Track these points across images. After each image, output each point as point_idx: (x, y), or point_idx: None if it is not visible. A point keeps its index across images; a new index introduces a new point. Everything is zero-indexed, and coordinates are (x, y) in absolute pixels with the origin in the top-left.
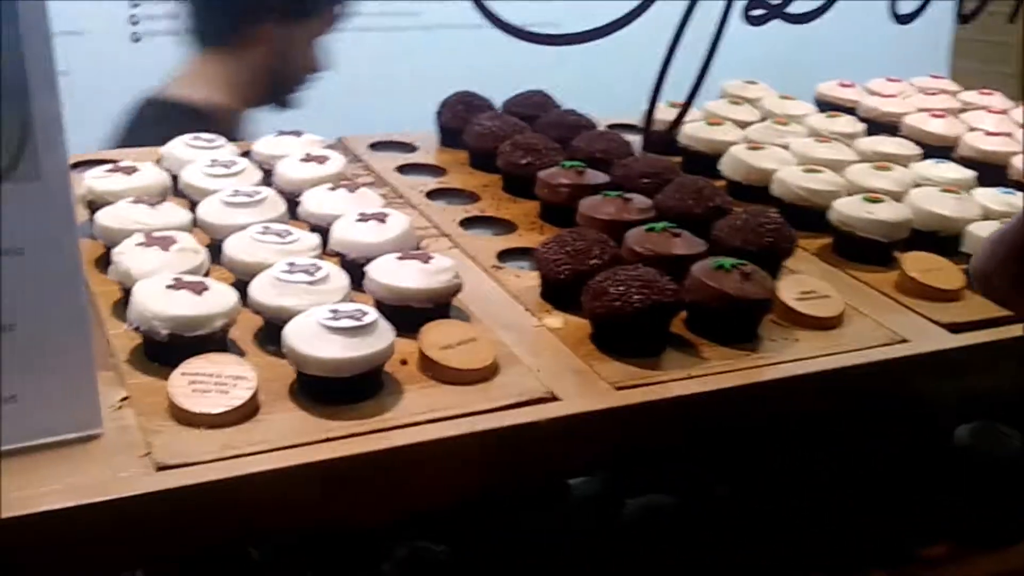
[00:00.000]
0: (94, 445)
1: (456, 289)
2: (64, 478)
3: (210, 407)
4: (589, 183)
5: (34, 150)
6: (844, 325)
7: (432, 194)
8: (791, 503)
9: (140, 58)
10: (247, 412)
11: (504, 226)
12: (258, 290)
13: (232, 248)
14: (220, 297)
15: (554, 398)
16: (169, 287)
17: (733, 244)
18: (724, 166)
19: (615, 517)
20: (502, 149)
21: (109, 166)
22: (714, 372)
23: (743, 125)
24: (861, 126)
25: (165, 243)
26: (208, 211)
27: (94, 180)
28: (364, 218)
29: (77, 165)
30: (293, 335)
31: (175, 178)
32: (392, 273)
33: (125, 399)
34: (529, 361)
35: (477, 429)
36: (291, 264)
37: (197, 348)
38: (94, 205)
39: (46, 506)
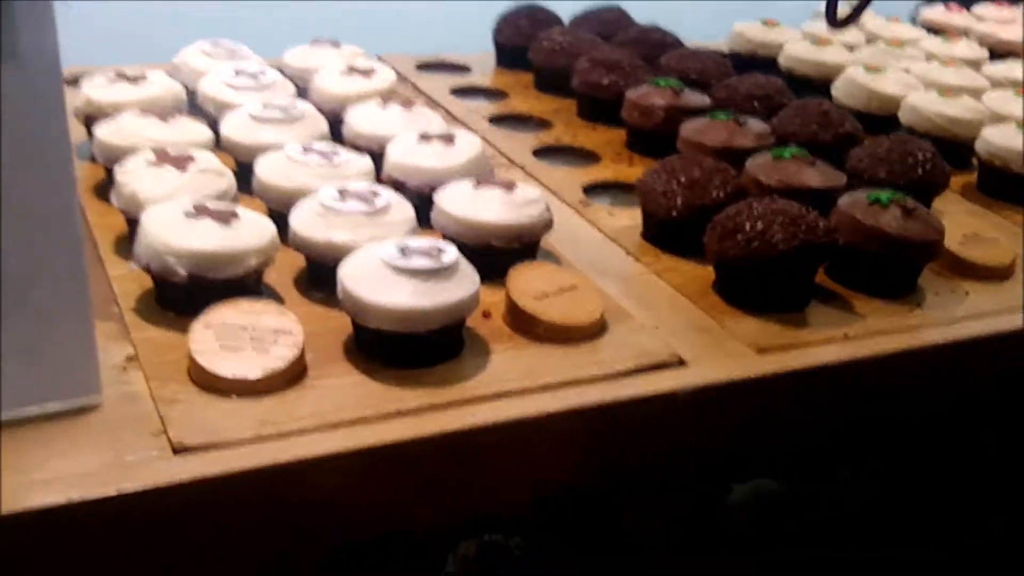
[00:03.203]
0: (93, 418)
1: (547, 225)
2: (53, 464)
3: (244, 371)
4: (689, 105)
5: (10, 19)
6: (1016, 276)
7: (495, 121)
8: (931, 498)
9: None
10: (291, 377)
11: (585, 157)
12: (301, 221)
13: (265, 171)
14: (253, 229)
15: (680, 362)
16: (189, 215)
17: (876, 176)
18: (839, 91)
19: (716, 506)
20: (578, 67)
21: (112, 74)
22: (875, 332)
23: (849, 48)
24: (983, 51)
25: (181, 162)
26: (234, 128)
27: (93, 89)
28: (427, 138)
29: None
30: (350, 278)
31: (191, 94)
32: (468, 204)
33: (132, 358)
34: (641, 315)
35: (587, 402)
36: (342, 191)
37: (224, 293)
38: (93, 120)
39: (28, 503)
